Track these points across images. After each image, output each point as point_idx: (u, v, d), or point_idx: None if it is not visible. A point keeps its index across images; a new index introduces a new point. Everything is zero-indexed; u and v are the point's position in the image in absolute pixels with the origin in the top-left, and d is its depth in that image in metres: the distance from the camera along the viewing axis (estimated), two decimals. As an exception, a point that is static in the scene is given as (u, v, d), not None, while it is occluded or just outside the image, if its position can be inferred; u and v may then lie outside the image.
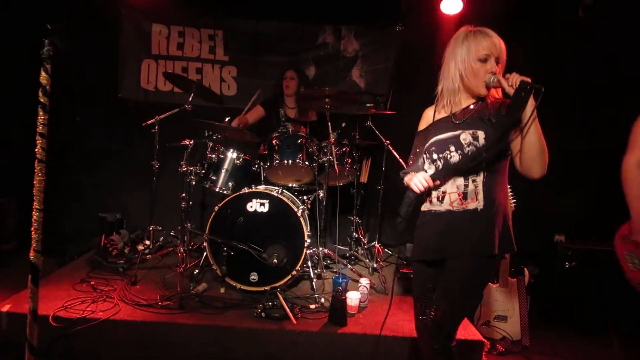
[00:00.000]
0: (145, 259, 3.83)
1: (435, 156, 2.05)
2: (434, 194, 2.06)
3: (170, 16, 4.90)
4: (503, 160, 1.98)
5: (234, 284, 3.38)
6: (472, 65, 1.97)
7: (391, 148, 4.16)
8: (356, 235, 4.44)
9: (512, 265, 3.38)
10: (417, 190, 2.00)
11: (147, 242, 4.08)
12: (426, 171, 2.07)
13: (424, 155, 2.12)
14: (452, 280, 1.99)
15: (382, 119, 4.37)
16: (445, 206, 2.03)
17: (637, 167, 2.22)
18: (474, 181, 1.96)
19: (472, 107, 2.06)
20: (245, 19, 4.91)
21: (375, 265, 4.04)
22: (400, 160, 4.12)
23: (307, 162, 3.68)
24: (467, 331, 2.94)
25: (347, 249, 4.37)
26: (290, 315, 2.97)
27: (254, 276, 3.37)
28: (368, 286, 3.38)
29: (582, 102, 4.39)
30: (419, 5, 4.53)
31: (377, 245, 4.33)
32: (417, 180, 1.98)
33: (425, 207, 2.13)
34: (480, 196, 1.96)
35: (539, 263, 4.28)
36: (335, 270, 3.95)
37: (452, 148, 2.00)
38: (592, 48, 4.28)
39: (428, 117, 2.20)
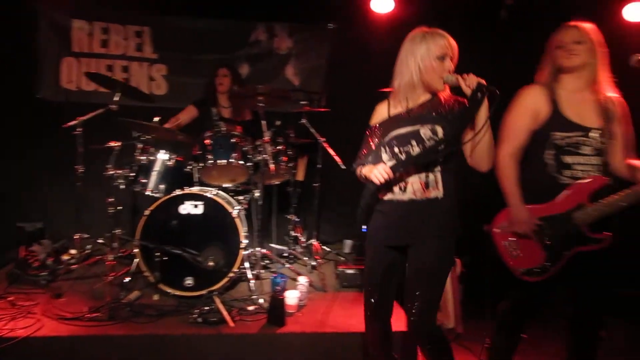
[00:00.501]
0: (70, 269, 3.62)
1: (396, 150, 2.13)
2: (399, 185, 2.13)
3: (92, 11, 4.65)
4: (456, 154, 2.13)
5: (168, 290, 3.26)
6: (432, 63, 2.06)
7: (327, 145, 4.18)
8: (294, 234, 4.42)
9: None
10: (377, 182, 2.04)
11: (73, 252, 3.85)
12: (385, 163, 2.12)
13: (384, 149, 2.17)
14: (423, 262, 2.11)
15: (317, 117, 4.38)
16: (408, 195, 2.11)
17: (510, 159, 2.33)
18: (433, 172, 2.09)
19: (428, 103, 2.15)
20: (175, 16, 4.75)
21: (314, 263, 4.04)
22: (336, 157, 4.15)
23: (241, 162, 3.62)
24: (402, 322, 2.99)
25: (286, 248, 4.34)
26: (228, 318, 2.90)
27: (189, 281, 3.27)
28: (307, 284, 3.38)
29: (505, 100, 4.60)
30: (351, 4, 4.57)
31: (315, 242, 4.33)
32: (378, 172, 2.03)
33: (387, 197, 2.18)
34: (440, 185, 2.10)
35: (471, 252, 4.46)
36: (273, 270, 3.91)
37: (414, 142, 2.10)
38: (513, 47, 4.50)
39: (382, 112, 2.25)
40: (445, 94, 2.15)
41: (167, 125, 3.95)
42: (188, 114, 4.28)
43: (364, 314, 2.33)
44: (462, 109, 2.05)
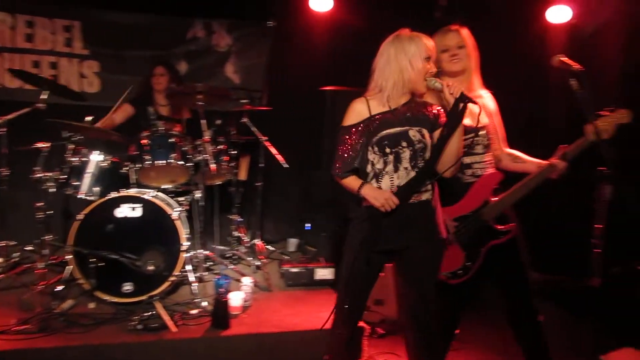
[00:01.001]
0: (-4, 279, 3.38)
1: (387, 150, 2.11)
2: (388, 187, 2.12)
3: (16, 3, 4.36)
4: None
5: (105, 297, 3.12)
6: (421, 63, 2.09)
7: (268, 144, 4.15)
8: (237, 234, 4.36)
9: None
10: (384, 210, 2.05)
11: (-1, 260, 3.60)
12: (380, 170, 2.12)
13: (371, 149, 2.13)
14: (421, 266, 2.17)
15: (258, 115, 4.34)
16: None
17: None
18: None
19: (408, 104, 2.16)
20: (107, 10, 4.55)
21: (258, 263, 4.00)
22: (278, 155, 4.13)
23: (181, 162, 3.52)
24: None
25: (229, 248, 4.28)
26: (170, 323, 2.82)
27: (128, 286, 3.14)
28: (251, 285, 3.34)
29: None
30: (290, 2, 4.57)
31: (259, 242, 4.29)
32: (385, 202, 2.03)
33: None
34: (429, 187, 2.15)
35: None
36: (217, 271, 3.84)
37: (404, 144, 2.11)
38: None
39: (360, 110, 2.17)
40: (422, 97, 2.20)
41: (100, 124, 3.77)
42: (123, 113, 4.11)
43: (334, 313, 2.28)
44: (449, 118, 2.10)
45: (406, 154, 2.10)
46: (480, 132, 2.38)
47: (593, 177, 2.23)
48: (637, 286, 3.37)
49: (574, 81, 2.09)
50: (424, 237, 2.16)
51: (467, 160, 2.37)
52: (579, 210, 2.31)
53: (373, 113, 2.15)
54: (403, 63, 2.08)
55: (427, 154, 2.12)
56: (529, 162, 2.45)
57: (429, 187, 2.15)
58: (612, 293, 3.36)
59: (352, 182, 2.16)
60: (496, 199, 2.37)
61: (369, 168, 2.16)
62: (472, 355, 3.16)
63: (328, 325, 2.28)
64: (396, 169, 2.12)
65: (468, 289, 2.47)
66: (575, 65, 2.13)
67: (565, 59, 2.18)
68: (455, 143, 2.10)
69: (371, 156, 2.14)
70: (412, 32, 2.15)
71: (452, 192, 2.38)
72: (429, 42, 2.12)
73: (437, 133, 2.15)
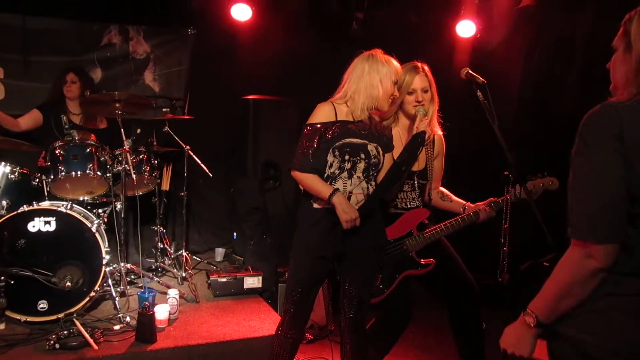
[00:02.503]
0: None
1: (347, 157, 2.21)
2: (341, 191, 2.21)
3: None
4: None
5: (17, 316, 2.92)
6: (390, 84, 2.23)
7: (192, 153, 4.10)
8: (162, 246, 4.24)
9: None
10: (347, 227, 2.14)
11: None
12: (335, 174, 2.22)
13: (334, 153, 2.21)
14: (361, 270, 2.32)
15: (180, 124, 4.28)
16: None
17: None
18: (372, 184, 2.29)
19: (369, 120, 2.30)
20: (10, 13, 4.26)
21: (184, 275, 3.92)
22: (202, 165, 4.09)
23: (99, 173, 3.38)
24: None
25: (153, 260, 4.15)
26: (90, 340, 2.70)
27: (42, 304, 2.97)
28: (177, 297, 3.28)
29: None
30: (210, 10, 4.54)
31: (184, 253, 4.21)
32: (351, 220, 2.12)
33: (325, 204, 2.21)
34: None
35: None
36: (140, 285, 3.72)
37: (363, 155, 2.23)
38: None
39: (327, 112, 2.24)
40: (381, 116, 2.39)
41: (3, 125, 3.52)
42: (31, 119, 3.87)
43: (283, 315, 2.34)
44: (407, 152, 2.30)
45: (362, 164, 2.23)
46: (414, 176, 2.56)
47: (500, 181, 2.44)
48: (540, 280, 3.71)
49: (479, 92, 2.27)
50: (369, 243, 2.30)
51: (400, 195, 2.57)
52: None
53: (339, 119, 2.25)
54: (375, 81, 2.22)
55: (379, 170, 2.29)
56: (456, 202, 2.66)
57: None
58: (521, 287, 3.68)
59: (317, 182, 2.21)
60: (421, 233, 2.52)
61: (326, 170, 2.25)
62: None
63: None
64: (350, 176, 2.23)
65: (399, 303, 2.58)
66: (480, 78, 2.32)
67: (471, 71, 2.37)
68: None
69: (330, 159, 2.23)
70: (385, 54, 2.29)
71: None
72: (398, 67, 2.29)
73: (387, 156, 2.33)
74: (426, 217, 2.55)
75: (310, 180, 2.22)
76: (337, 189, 2.18)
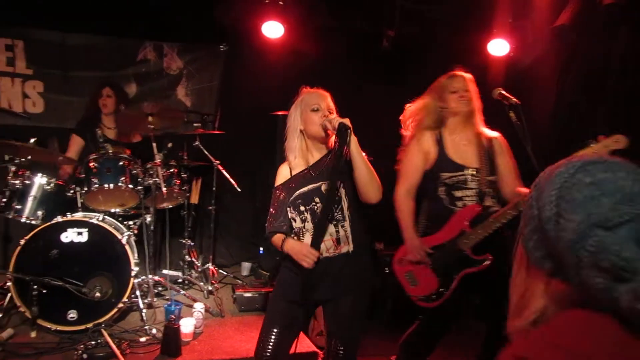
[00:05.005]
0: None
1: (302, 208, 2.16)
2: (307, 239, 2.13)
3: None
4: (359, 202, 2.16)
5: (48, 325, 2.99)
6: (308, 115, 2.18)
7: (221, 168, 4.14)
8: (189, 259, 4.28)
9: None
10: (309, 266, 2.05)
11: None
12: (300, 228, 2.16)
13: (289, 208, 2.19)
14: (343, 317, 2.17)
15: (210, 139, 4.34)
16: (323, 253, 2.10)
17: (406, 196, 2.59)
18: (343, 227, 2.13)
19: (323, 158, 2.22)
20: (51, 30, 4.43)
21: (210, 288, 3.95)
22: (231, 179, 4.13)
23: (131, 185, 3.45)
24: (302, 344, 3.04)
25: (180, 273, 4.19)
26: (117, 352, 2.73)
27: (72, 314, 3.03)
28: (203, 310, 3.29)
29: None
30: (242, 27, 4.62)
31: (211, 267, 4.23)
32: (307, 258, 2.04)
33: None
34: (350, 239, 2.14)
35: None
36: (167, 297, 3.75)
37: (317, 199, 2.14)
38: (397, 74, 4.86)
39: (284, 173, 2.27)
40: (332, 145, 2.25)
41: (66, 165, 3.61)
42: (76, 146, 4.01)
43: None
44: (334, 152, 2.11)
45: (320, 208, 2.13)
46: (471, 171, 2.49)
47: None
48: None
49: (512, 113, 2.23)
50: (347, 289, 2.16)
51: (458, 193, 2.49)
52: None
53: (294, 173, 2.24)
54: (296, 122, 2.22)
55: (342, 205, 2.14)
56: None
57: (349, 240, 2.14)
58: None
59: (276, 239, 2.20)
60: (473, 229, 2.45)
61: (293, 227, 2.22)
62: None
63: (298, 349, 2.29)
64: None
65: (452, 311, 2.55)
66: (513, 98, 2.28)
67: (504, 91, 2.33)
68: (358, 167, 2.07)
69: (290, 215, 2.20)
70: (310, 89, 2.28)
71: (444, 221, 2.50)
72: (315, 94, 2.23)
73: None
74: (477, 213, 2.46)
75: (274, 241, 2.21)
76: (286, 237, 2.16)
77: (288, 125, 2.26)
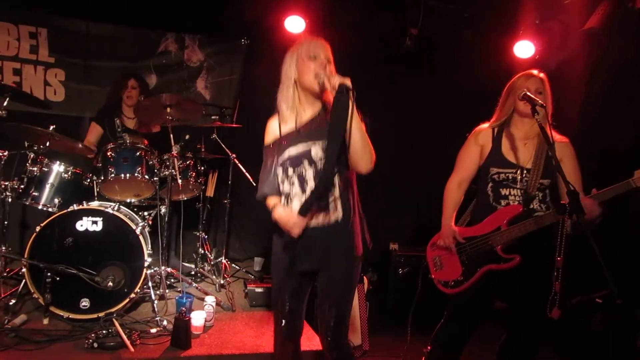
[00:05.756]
0: (-57, 292, 3.20)
1: (290, 171, 2.07)
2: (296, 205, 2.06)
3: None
4: (350, 170, 2.07)
5: (60, 312, 3.00)
6: (304, 62, 2.05)
7: (237, 162, 4.13)
8: (202, 251, 4.28)
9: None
10: (296, 236, 2.01)
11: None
12: (288, 193, 2.08)
13: (279, 170, 2.11)
14: (332, 286, 2.12)
15: (228, 132, 4.32)
16: (311, 222, 2.04)
17: (457, 187, 2.61)
18: (333, 195, 2.04)
19: (315, 117, 2.10)
20: (75, 19, 4.46)
21: (222, 282, 3.94)
22: (247, 174, 4.11)
23: (147, 176, 3.45)
24: (312, 342, 3.01)
25: (193, 266, 4.19)
26: (127, 342, 2.73)
27: (85, 302, 3.04)
28: (214, 304, 3.27)
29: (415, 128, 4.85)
30: (265, 21, 4.59)
31: (224, 261, 4.22)
32: (295, 227, 2.00)
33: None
34: (340, 207, 2.05)
35: (377, 270, 4.60)
36: (179, 289, 3.75)
37: (306, 163, 2.04)
38: (419, 73, 4.78)
39: (273, 129, 2.17)
40: (329, 102, 2.09)
41: (83, 150, 3.64)
42: (95, 133, 4.03)
43: (274, 333, 2.30)
44: (331, 116, 1.98)
45: (310, 173, 2.04)
46: (522, 171, 2.40)
47: (556, 211, 2.26)
48: (592, 317, 3.49)
49: (536, 116, 2.17)
50: (337, 258, 2.09)
51: (504, 191, 2.44)
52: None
53: (283, 133, 2.12)
54: (291, 70, 2.10)
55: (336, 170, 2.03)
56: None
57: (338, 207, 2.06)
58: (569, 323, 3.47)
59: (269, 205, 2.13)
60: (508, 228, 2.40)
61: (281, 191, 2.13)
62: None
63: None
64: (303, 191, 2.06)
65: (471, 305, 2.53)
66: (539, 100, 2.21)
67: (529, 93, 2.26)
68: (354, 134, 1.93)
69: (280, 178, 2.12)
70: (305, 37, 2.16)
71: (480, 217, 2.50)
72: (313, 42, 2.10)
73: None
74: (518, 213, 2.39)
75: (268, 206, 2.14)
76: (275, 205, 2.09)
77: (282, 74, 2.14)
